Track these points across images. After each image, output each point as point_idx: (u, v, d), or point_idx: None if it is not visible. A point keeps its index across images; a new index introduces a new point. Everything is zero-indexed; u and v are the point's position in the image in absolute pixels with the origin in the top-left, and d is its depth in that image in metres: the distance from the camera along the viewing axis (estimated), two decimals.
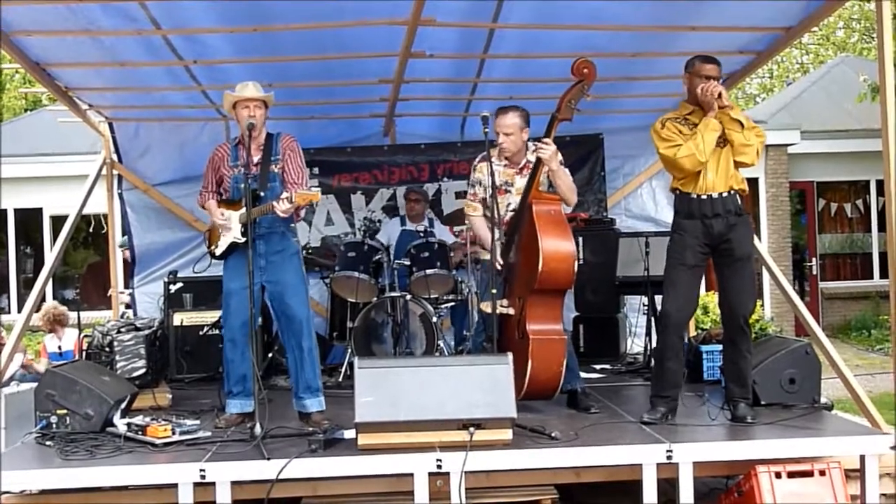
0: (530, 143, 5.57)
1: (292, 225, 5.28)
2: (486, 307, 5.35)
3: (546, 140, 5.28)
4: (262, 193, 5.08)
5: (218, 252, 5.29)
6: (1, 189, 12.92)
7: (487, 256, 5.78)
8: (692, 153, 4.84)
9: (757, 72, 7.31)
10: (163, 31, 6.01)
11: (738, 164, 4.92)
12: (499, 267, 5.42)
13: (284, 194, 4.96)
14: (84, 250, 15.24)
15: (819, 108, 15.43)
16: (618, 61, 6.82)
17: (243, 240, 5.06)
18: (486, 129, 5.32)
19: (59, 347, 8.90)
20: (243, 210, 5.02)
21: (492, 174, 5.32)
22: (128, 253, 9.10)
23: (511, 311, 5.39)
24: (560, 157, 5.38)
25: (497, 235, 5.53)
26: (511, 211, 5.57)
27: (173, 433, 4.72)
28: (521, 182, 5.54)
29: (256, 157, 5.17)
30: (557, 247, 5.26)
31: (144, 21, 5.80)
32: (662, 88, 7.47)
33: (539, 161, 5.35)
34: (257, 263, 5.03)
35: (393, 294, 6.92)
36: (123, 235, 8.70)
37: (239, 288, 5.04)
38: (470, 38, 6.51)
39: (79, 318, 7.89)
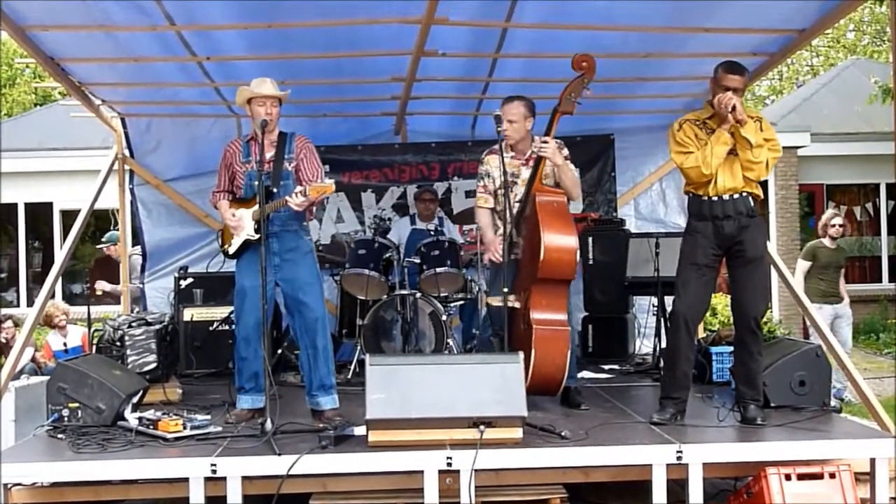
0: (536, 137, 5.64)
1: (305, 223, 5.28)
2: (494, 301, 5.42)
3: (545, 139, 5.39)
4: (274, 190, 5.06)
5: (231, 251, 5.29)
6: (1, 183, 12.99)
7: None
8: (698, 165, 4.86)
9: (766, 74, 7.30)
10: (177, 27, 6.04)
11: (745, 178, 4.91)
12: (497, 259, 5.53)
13: (298, 188, 4.96)
14: (92, 245, 15.27)
15: (829, 111, 15.39)
16: (630, 62, 6.84)
17: (257, 237, 5.06)
18: (500, 128, 5.36)
19: (65, 344, 8.93)
20: (256, 207, 5.02)
21: (504, 172, 5.35)
22: (112, 249, 9.14)
23: (517, 304, 5.42)
24: (566, 151, 5.49)
25: (500, 230, 5.61)
26: (517, 202, 5.63)
27: (184, 428, 4.72)
28: (526, 173, 5.62)
29: (269, 154, 5.16)
30: (559, 236, 5.31)
31: (159, 16, 5.83)
32: (674, 89, 7.48)
33: (540, 160, 5.45)
34: (271, 262, 5.02)
35: (403, 292, 6.93)
36: (114, 228, 8.67)
37: (252, 286, 5.04)
38: (482, 37, 6.52)
39: (88, 312, 7.90)
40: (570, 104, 5.42)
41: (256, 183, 4.96)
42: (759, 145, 4.82)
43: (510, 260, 5.44)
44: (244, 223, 5.16)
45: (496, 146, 5.86)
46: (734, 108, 4.75)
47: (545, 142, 5.38)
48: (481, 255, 6.17)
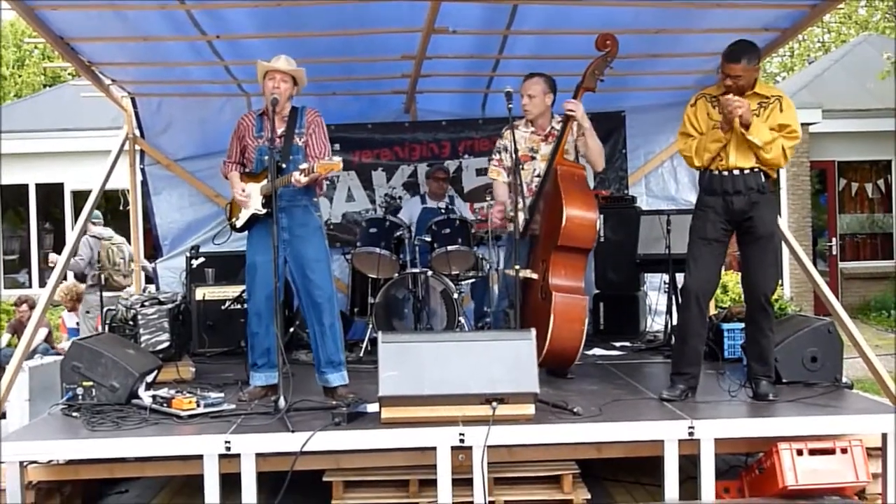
0: (556, 115, 5.79)
1: (315, 199, 5.26)
2: (513, 272, 5.46)
3: (572, 100, 5.56)
4: (283, 165, 5.03)
5: (238, 224, 5.27)
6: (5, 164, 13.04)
7: (511, 229, 5.84)
8: (690, 155, 4.94)
9: (778, 50, 7.26)
10: (186, 6, 6.02)
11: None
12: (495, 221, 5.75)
13: (304, 165, 4.94)
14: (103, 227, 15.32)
15: (841, 87, 15.29)
16: (641, 38, 6.79)
17: (264, 211, 5.06)
18: (510, 105, 5.38)
19: (77, 324, 9.01)
20: (265, 182, 5.02)
21: (515, 152, 5.36)
22: (90, 227, 9.15)
23: (535, 275, 5.47)
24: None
25: (520, 204, 5.65)
26: (536, 176, 5.74)
27: (198, 405, 4.74)
28: (546, 149, 5.74)
29: (280, 129, 5.14)
30: (580, 204, 5.48)
31: None
32: (686, 66, 7.44)
33: (567, 122, 5.59)
34: (280, 237, 4.99)
35: (414, 270, 6.94)
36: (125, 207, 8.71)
37: (264, 261, 5.01)
38: (493, 13, 6.48)
39: (101, 293, 7.95)
40: (594, 80, 5.68)
41: (266, 158, 4.96)
42: (769, 141, 4.73)
43: (529, 235, 5.48)
44: (252, 198, 5.16)
45: (516, 121, 5.91)
46: (741, 116, 4.67)
47: (573, 101, 5.56)
48: (494, 232, 6.21)
